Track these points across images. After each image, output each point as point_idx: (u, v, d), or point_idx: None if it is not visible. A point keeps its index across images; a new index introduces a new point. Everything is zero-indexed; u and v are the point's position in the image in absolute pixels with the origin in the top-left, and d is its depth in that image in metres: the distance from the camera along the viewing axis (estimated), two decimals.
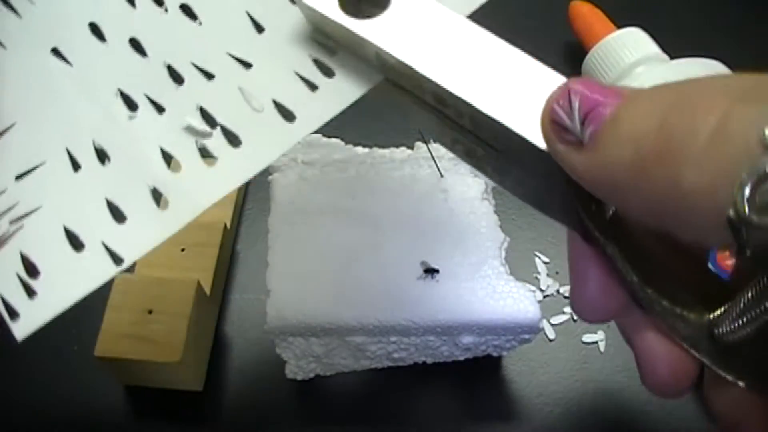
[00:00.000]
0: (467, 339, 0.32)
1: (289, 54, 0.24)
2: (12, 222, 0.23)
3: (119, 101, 0.24)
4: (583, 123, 0.16)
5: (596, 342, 0.37)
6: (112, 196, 0.23)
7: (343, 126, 0.39)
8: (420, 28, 0.21)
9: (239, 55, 0.24)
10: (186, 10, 0.25)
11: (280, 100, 0.23)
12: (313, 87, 0.23)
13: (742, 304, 0.15)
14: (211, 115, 0.23)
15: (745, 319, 0.15)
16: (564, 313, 0.38)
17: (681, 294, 0.17)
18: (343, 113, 0.49)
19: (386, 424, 0.35)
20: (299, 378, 0.35)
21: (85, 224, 0.23)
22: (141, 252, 0.22)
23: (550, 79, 0.19)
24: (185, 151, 0.23)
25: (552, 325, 0.38)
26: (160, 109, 0.24)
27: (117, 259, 0.22)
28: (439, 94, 0.20)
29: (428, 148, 0.36)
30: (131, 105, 0.24)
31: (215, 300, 0.38)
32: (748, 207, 0.13)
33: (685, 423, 0.35)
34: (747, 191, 0.13)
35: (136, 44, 0.25)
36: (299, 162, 0.36)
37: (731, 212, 0.13)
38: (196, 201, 0.22)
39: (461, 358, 0.34)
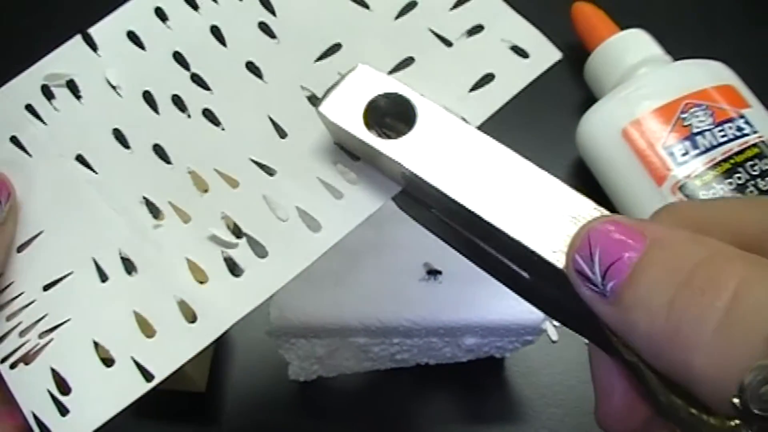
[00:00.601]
0: (470, 340, 0.32)
1: (313, 160, 0.23)
2: (41, 335, 0.23)
3: (144, 210, 0.24)
4: (604, 276, 0.17)
5: None
6: (141, 308, 0.23)
7: None
8: (446, 148, 0.20)
9: (263, 161, 0.24)
10: (209, 115, 0.25)
11: (304, 208, 0.23)
12: (337, 195, 0.23)
13: None
14: (237, 224, 0.23)
15: None
16: None
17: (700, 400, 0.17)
18: None
19: (389, 425, 0.35)
20: (302, 379, 0.35)
21: (114, 338, 0.23)
22: (172, 368, 0.22)
23: (575, 203, 0.19)
24: (212, 262, 0.23)
25: (555, 326, 0.38)
26: (185, 218, 0.23)
27: (148, 376, 0.22)
28: (463, 215, 0.20)
29: None
30: (156, 213, 0.24)
31: None
32: (752, 401, 0.14)
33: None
34: (750, 388, 0.14)
35: (160, 151, 0.24)
36: None
37: (736, 401, 0.14)
38: (224, 315, 0.22)
39: (464, 360, 0.34)
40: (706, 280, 0.15)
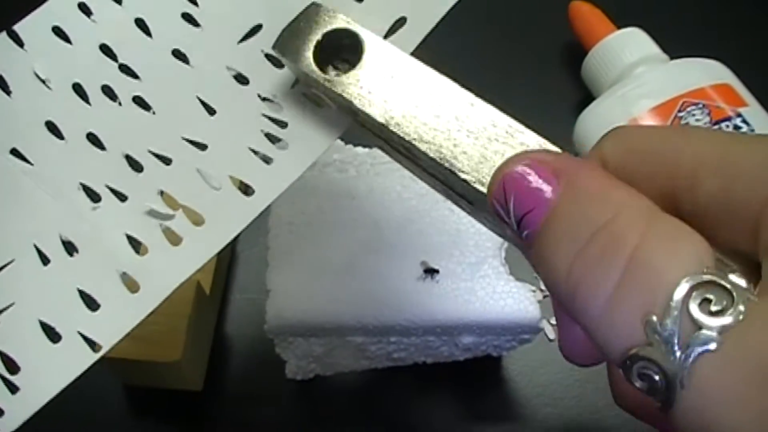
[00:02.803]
0: (467, 339, 0.32)
1: (242, 132, 0.25)
2: None
3: (82, 195, 0.24)
4: (519, 224, 0.17)
5: None
6: (84, 286, 0.23)
7: None
8: (391, 82, 0.21)
9: (194, 138, 0.25)
10: (139, 101, 0.25)
11: (236, 176, 0.24)
12: (267, 160, 0.24)
13: None
14: (173, 197, 0.24)
15: None
16: None
17: None
18: None
19: (386, 424, 0.35)
20: (299, 378, 0.35)
21: (59, 316, 0.23)
22: (117, 336, 0.23)
23: (520, 135, 0.19)
24: (150, 234, 0.24)
25: (552, 325, 0.38)
26: (122, 198, 0.24)
27: (95, 347, 0.23)
28: (410, 150, 0.21)
29: None
30: (94, 197, 0.24)
31: (215, 300, 0.38)
32: (632, 378, 0.15)
33: None
34: (627, 368, 0.15)
35: (93, 138, 0.25)
36: None
37: (621, 371, 0.16)
38: (165, 281, 0.23)
39: (461, 359, 0.34)
40: (605, 246, 0.16)
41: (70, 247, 0.24)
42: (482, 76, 0.47)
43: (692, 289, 0.15)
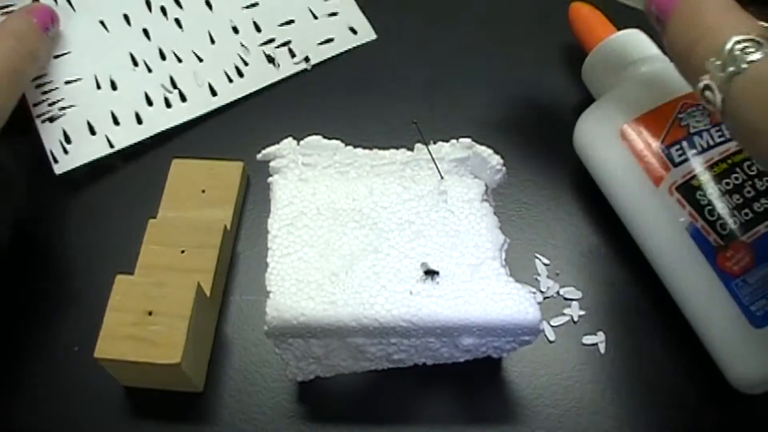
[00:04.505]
0: (467, 341, 0.32)
1: (224, 59, 0.47)
2: (60, 109, 0.43)
3: (129, 60, 0.46)
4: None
5: (596, 344, 0.37)
6: (114, 110, 0.44)
7: (344, 127, 0.40)
8: None
9: (198, 53, 0.47)
10: (177, 21, 0.47)
11: (212, 82, 0.46)
12: (230, 80, 0.46)
13: None
14: (176, 82, 0.46)
15: None
16: (564, 314, 0.38)
17: None
18: (343, 114, 0.49)
19: (386, 425, 0.35)
20: (299, 379, 0.35)
21: (98, 122, 0.43)
22: (125, 143, 0.43)
23: None
24: (158, 99, 0.45)
25: (552, 326, 0.38)
26: (149, 70, 0.46)
27: (111, 144, 0.43)
28: None
29: (428, 149, 0.36)
30: (135, 63, 0.46)
31: (215, 301, 0.38)
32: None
33: (685, 422, 0.35)
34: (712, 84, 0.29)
35: (146, 32, 0.46)
36: (299, 163, 0.36)
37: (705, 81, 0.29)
38: (163, 121, 0.44)
39: (461, 360, 0.34)
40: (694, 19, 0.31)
41: (114, 85, 0.44)
42: (483, 77, 0.47)
43: (737, 42, 0.28)
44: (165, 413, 0.35)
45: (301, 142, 0.36)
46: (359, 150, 0.37)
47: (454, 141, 0.36)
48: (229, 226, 0.39)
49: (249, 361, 0.37)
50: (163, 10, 0.47)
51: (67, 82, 0.44)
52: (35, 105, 0.43)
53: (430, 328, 0.31)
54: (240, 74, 0.46)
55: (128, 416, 0.35)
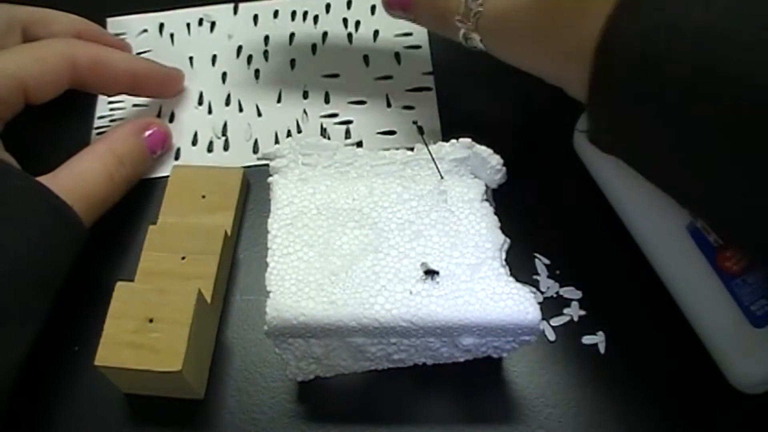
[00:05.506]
0: (467, 340, 0.32)
1: (286, 116, 0.46)
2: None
3: (198, 97, 0.47)
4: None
5: (596, 344, 0.37)
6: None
7: None
8: None
9: (260, 107, 0.46)
10: (256, 72, 0.48)
11: (259, 139, 0.45)
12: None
13: None
14: (227, 129, 0.46)
15: None
16: (564, 314, 0.38)
17: None
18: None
19: (386, 425, 0.35)
20: (299, 379, 0.35)
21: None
22: (157, 174, 0.43)
23: None
24: (203, 141, 0.45)
25: (552, 326, 0.38)
26: (210, 111, 0.46)
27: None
28: None
29: (428, 149, 0.36)
30: (201, 101, 0.47)
31: (216, 307, 0.38)
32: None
33: (685, 422, 0.35)
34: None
35: (224, 75, 0.48)
36: (299, 163, 0.36)
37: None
38: (196, 160, 0.44)
39: (461, 360, 0.34)
40: None
41: (171, 118, 0.46)
42: (483, 78, 0.47)
43: None
44: (166, 420, 0.35)
45: (301, 142, 0.36)
46: (359, 150, 0.37)
47: (454, 141, 0.36)
48: (229, 232, 0.39)
49: (249, 362, 0.37)
50: (249, 59, 0.48)
51: (135, 105, 0.46)
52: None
53: (430, 327, 0.31)
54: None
55: (129, 423, 0.35)
